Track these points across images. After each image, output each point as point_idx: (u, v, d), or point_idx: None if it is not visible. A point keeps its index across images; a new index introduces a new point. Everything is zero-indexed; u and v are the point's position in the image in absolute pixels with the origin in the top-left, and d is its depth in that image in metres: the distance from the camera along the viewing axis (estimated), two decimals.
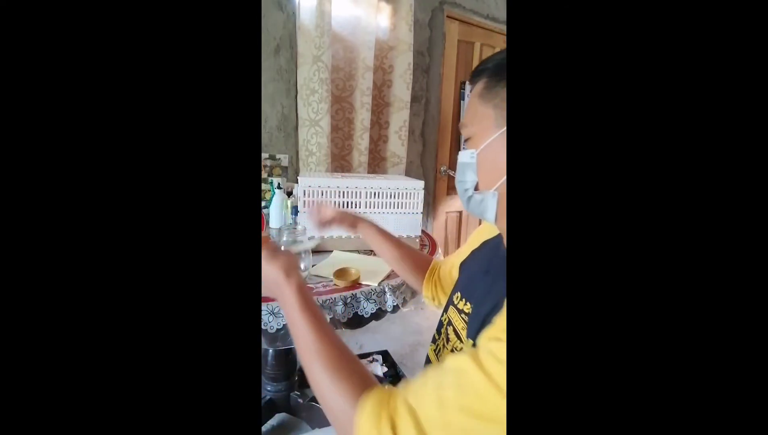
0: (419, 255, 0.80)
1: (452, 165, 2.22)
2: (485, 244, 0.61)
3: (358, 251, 1.13)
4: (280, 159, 1.64)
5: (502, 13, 2.13)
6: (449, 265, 0.71)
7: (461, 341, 0.50)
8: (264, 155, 1.61)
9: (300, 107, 1.59)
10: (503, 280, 0.42)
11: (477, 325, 0.44)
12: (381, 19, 1.70)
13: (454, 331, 0.53)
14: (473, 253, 0.63)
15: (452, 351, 0.51)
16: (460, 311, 0.53)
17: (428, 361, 0.59)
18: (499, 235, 0.58)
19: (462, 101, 2.15)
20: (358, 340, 1.75)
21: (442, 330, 0.57)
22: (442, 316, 0.59)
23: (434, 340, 0.59)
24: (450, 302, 0.58)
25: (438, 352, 0.56)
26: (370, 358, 1.56)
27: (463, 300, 0.54)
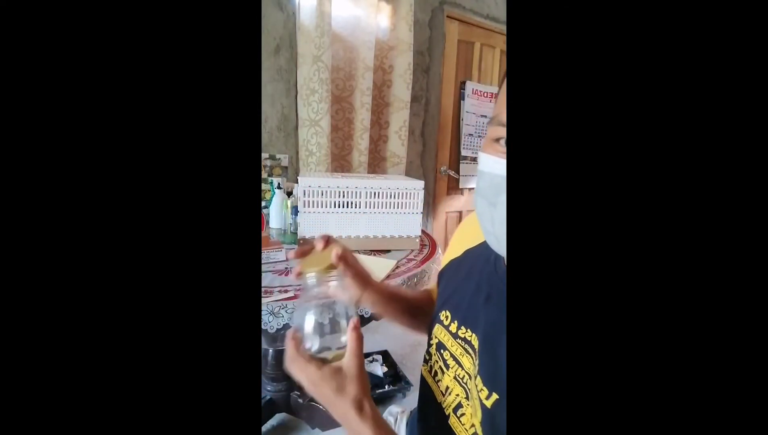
0: (421, 298, 0.66)
1: (452, 165, 2.22)
2: (469, 254, 0.53)
3: (359, 251, 1.13)
4: (280, 159, 1.64)
5: (502, 13, 2.13)
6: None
7: (462, 368, 0.45)
8: (264, 155, 1.61)
9: (300, 107, 1.59)
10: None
11: (493, 369, 0.39)
12: (381, 19, 1.70)
13: (452, 356, 0.47)
14: (452, 262, 0.56)
15: (455, 379, 0.46)
16: (455, 335, 0.47)
17: (423, 380, 0.53)
18: (486, 244, 0.49)
19: (462, 101, 2.15)
20: None
21: (432, 351, 0.51)
22: (429, 332, 0.53)
23: (426, 360, 0.53)
24: (436, 319, 0.52)
25: (435, 374, 0.50)
26: (370, 358, 1.56)
27: (455, 322, 0.48)
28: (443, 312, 0.51)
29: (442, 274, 0.58)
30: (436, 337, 0.51)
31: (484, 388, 0.39)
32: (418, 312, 0.64)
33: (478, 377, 0.40)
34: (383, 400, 1.40)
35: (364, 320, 0.88)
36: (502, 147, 0.35)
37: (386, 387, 1.43)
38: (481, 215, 0.39)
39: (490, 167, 0.36)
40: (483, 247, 0.50)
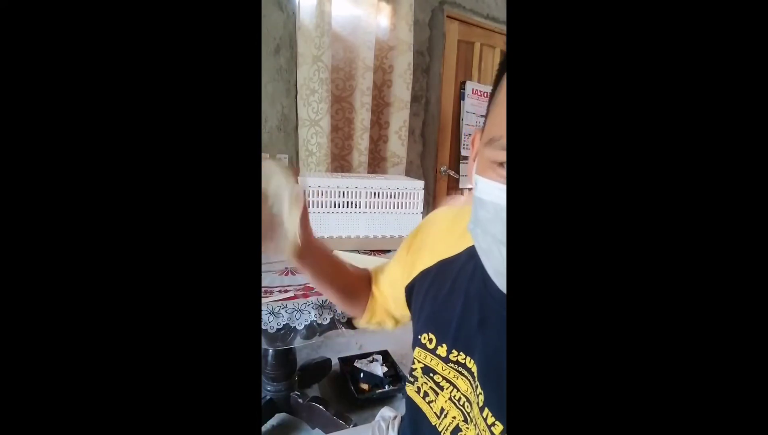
0: (358, 277, 0.62)
1: (452, 165, 2.22)
2: (445, 267, 0.49)
3: (358, 251, 1.13)
4: (280, 159, 1.64)
5: (502, 13, 2.13)
6: (389, 280, 0.59)
7: (458, 390, 0.43)
8: (264, 155, 1.60)
9: (300, 107, 1.59)
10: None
11: (499, 399, 0.37)
12: (381, 19, 1.70)
13: (444, 378, 0.45)
14: (424, 274, 0.51)
15: (451, 400, 0.44)
16: (446, 360, 0.44)
17: (411, 401, 0.50)
18: (466, 256, 0.46)
19: (462, 101, 2.15)
20: (358, 340, 1.75)
21: (418, 374, 0.48)
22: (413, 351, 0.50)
23: (411, 382, 0.50)
24: (416, 342, 0.48)
25: (425, 396, 0.48)
26: (370, 358, 1.56)
27: (444, 346, 0.45)
28: (424, 334, 0.47)
29: (411, 287, 0.53)
30: (419, 361, 0.48)
31: (498, 423, 0.37)
32: (351, 290, 0.59)
33: (486, 409, 0.38)
34: (383, 400, 1.40)
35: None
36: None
37: (386, 387, 1.43)
38: (487, 253, 0.34)
39: (495, 196, 0.31)
40: (462, 260, 0.47)
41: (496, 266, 0.34)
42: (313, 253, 0.52)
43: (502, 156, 0.31)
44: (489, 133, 0.33)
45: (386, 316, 0.62)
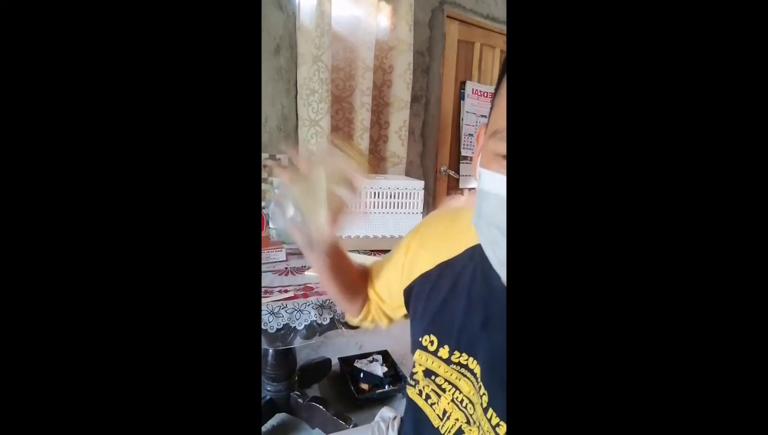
0: (359, 273, 0.62)
1: (452, 165, 2.22)
2: (445, 269, 0.49)
3: (358, 251, 1.13)
4: (280, 159, 1.64)
5: (502, 13, 2.12)
6: (386, 283, 0.59)
7: (460, 392, 0.43)
8: (264, 155, 1.60)
9: (300, 107, 1.59)
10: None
11: (504, 399, 0.37)
12: (381, 19, 1.70)
13: (446, 381, 0.45)
14: (424, 277, 0.51)
15: (453, 402, 0.44)
16: (447, 361, 0.44)
17: (412, 402, 0.50)
18: (466, 257, 0.47)
19: (462, 101, 2.15)
20: (358, 340, 1.75)
21: (419, 377, 0.48)
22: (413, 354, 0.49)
23: (412, 384, 0.50)
24: (417, 345, 0.48)
25: (427, 398, 0.47)
26: (370, 358, 1.56)
27: (446, 348, 0.45)
28: (426, 336, 0.47)
29: (410, 290, 0.53)
30: (420, 365, 0.48)
31: (503, 423, 0.37)
32: (354, 288, 0.60)
33: (491, 410, 0.38)
34: (383, 400, 1.40)
35: None
36: None
37: (386, 387, 1.43)
38: (491, 244, 0.34)
39: (499, 188, 0.31)
40: (463, 261, 0.47)
41: (500, 257, 0.34)
42: (337, 249, 0.54)
43: (505, 148, 0.31)
44: (493, 126, 0.33)
45: (381, 315, 0.63)
